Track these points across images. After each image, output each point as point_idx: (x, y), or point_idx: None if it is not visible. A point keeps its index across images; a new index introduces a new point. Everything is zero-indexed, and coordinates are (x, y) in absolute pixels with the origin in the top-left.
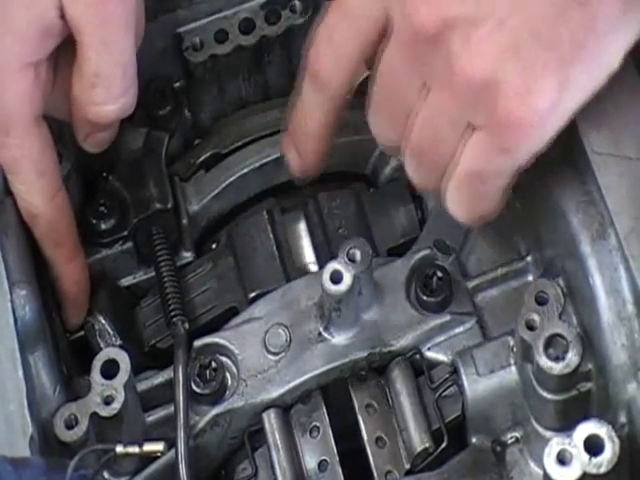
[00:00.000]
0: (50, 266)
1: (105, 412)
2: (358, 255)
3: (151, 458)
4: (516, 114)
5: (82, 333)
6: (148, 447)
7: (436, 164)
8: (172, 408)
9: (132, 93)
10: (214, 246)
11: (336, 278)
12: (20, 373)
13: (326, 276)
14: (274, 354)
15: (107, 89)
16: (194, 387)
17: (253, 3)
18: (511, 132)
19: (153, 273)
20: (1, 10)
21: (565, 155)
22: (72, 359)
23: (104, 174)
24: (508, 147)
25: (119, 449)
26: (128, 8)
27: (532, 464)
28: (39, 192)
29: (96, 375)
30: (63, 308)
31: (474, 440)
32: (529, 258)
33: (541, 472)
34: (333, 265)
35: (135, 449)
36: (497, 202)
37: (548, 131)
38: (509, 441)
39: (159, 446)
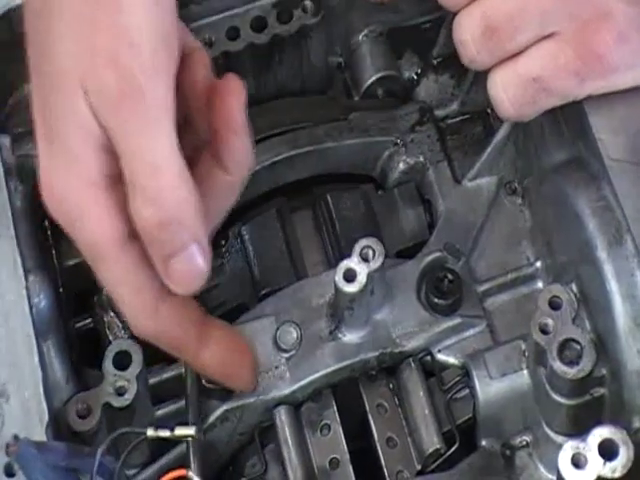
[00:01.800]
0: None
1: (118, 403)
2: (371, 254)
3: (160, 452)
4: (610, 52)
5: (91, 324)
6: (180, 431)
7: (502, 47)
8: (182, 402)
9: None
10: (223, 243)
11: (350, 277)
12: (36, 359)
13: (340, 275)
14: (285, 351)
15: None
16: (204, 382)
17: (265, 1)
18: (595, 63)
19: None
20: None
21: (581, 161)
22: (81, 350)
23: None
24: (583, 75)
25: (150, 432)
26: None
27: (541, 468)
28: (140, 310)
29: (109, 365)
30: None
31: (484, 443)
32: (538, 264)
33: (550, 477)
34: (347, 264)
35: (166, 433)
36: (537, 113)
37: (612, 85)
38: (519, 445)
39: (190, 430)
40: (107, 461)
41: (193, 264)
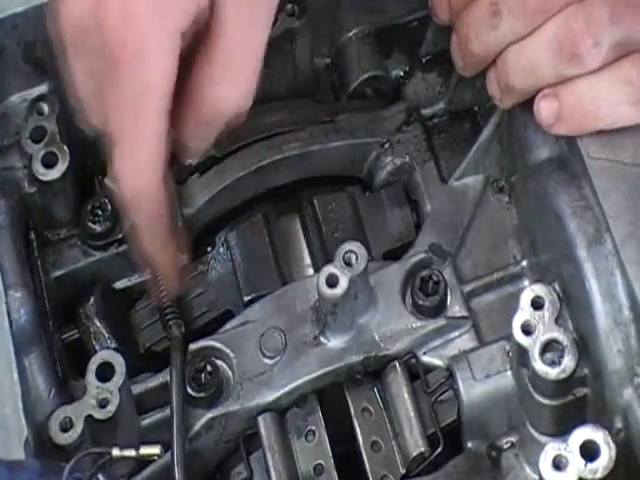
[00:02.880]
0: (143, 251)
1: (100, 415)
2: (354, 259)
3: (146, 461)
4: None
5: (77, 335)
6: (144, 450)
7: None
8: (167, 411)
9: (255, 82)
10: (209, 249)
11: (332, 282)
12: (15, 376)
13: (322, 280)
14: (270, 358)
15: (236, 73)
16: (189, 390)
17: None
18: None
19: (148, 276)
20: None
21: (561, 160)
22: (67, 362)
23: (99, 176)
24: None
25: (115, 452)
26: None
27: (527, 469)
28: (152, 172)
29: (91, 378)
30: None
31: (470, 445)
32: (524, 263)
33: (536, 477)
34: (329, 269)
35: (131, 452)
36: None
37: None
38: (505, 446)
39: (155, 449)
40: (84, 477)
41: None
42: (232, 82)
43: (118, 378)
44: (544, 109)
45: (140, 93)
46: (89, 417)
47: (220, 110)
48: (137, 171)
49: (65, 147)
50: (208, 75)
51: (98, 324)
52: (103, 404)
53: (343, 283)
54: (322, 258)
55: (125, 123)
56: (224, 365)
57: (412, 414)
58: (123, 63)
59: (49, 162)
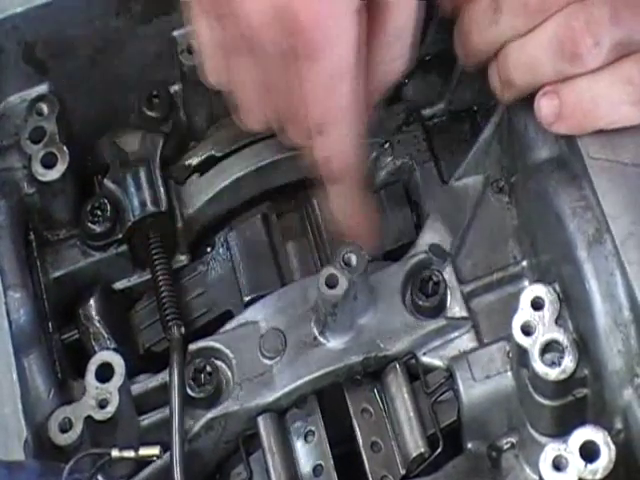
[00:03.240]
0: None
1: (99, 415)
2: (353, 259)
3: (145, 462)
4: None
5: (77, 336)
6: (144, 451)
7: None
8: (167, 412)
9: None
10: (209, 249)
11: (332, 282)
12: (14, 376)
13: (322, 280)
14: (269, 358)
15: (404, 44)
16: (189, 391)
17: None
18: None
19: (148, 276)
20: None
21: (561, 160)
22: (66, 362)
23: (99, 177)
24: None
25: (114, 453)
26: None
27: (527, 470)
28: (356, 142)
29: (91, 378)
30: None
31: (469, 445)
32: (524, 263)
33: (537, 478)
34: (329, 269)
35: (130, 453)
36: None
37: None
38: (505, 446)
39: (155, 450)
40: (84, 478)
41: None
42: (396, 60)
43: (118, 379)
44: (545, 107)
45: (334, 76)
46: (88, 418)
47: (384, 83)
48: (344, 147)
49: (64, 147)
50: (381, 50)
51: (98, 325)
52: (102, 405)
53: (343, 284)
54: (322, 258)
55: (324, 107)
56: (224, 366)
57: (412, 415)
58: (314, 49)
59: (48, 163)
